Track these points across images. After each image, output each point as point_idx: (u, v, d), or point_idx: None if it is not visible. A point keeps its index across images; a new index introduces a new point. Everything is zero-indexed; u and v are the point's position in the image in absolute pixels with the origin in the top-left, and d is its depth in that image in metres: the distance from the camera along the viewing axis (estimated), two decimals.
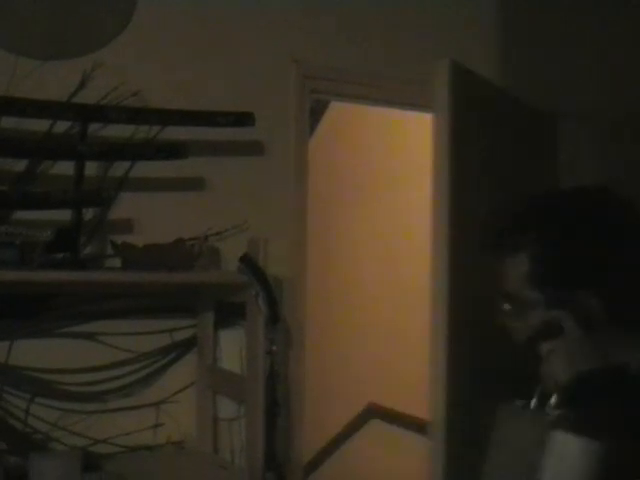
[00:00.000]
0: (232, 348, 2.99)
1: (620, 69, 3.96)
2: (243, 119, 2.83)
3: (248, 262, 2.61)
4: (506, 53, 3.70)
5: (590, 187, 1.74)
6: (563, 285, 1.65)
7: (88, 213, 2.72)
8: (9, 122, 2.63)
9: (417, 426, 3.52)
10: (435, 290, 2.78)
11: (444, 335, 2.75)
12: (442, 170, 2.77)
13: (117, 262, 2.70)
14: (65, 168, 2.63)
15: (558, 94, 3.83)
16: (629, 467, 1.46)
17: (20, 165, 2.71)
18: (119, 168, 2.86)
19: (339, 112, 3.92)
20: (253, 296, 2.59)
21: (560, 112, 3.89)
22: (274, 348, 2.58)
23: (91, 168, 2.69)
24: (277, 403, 2.67)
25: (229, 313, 2.99)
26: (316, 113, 4.13)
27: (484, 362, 2.84)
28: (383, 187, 4.04)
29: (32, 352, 2.77)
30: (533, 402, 1.57)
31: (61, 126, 2.73)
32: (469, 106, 2.90)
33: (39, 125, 2.69)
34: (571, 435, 1.44)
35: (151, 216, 2.91)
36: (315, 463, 4.19)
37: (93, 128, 2.69)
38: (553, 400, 1.52)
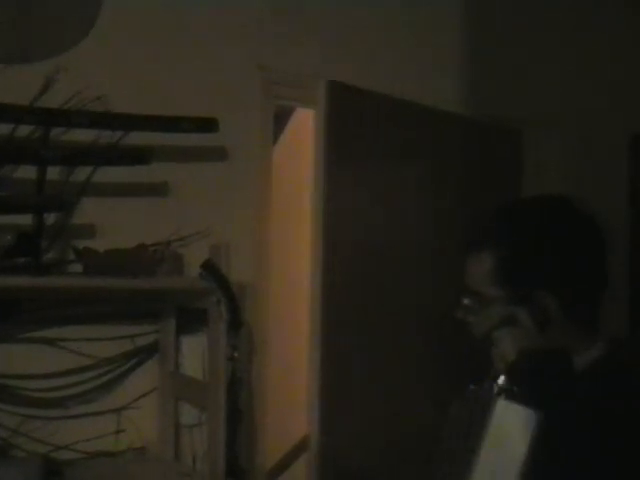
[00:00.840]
0: (194, 354, 2.98)
1: (588, 78, 4.01)
2: (207, 125, 2.82)
3: (210, 268, 2.60)
4: (472, 66, 3.73)
5: (554, 196, 1.89)
6: (522, 284, 1.77)
7: (50, 218, 2.70)
8: None
9: None
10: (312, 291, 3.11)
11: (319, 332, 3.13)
12: (318, 180, 3.17)
13: (79, 267, 2.68)
14: (27, 172, 2.61)
15: (524, 105, 3.87)
16: (561, 435, 1.58)
17: None
18: (82, 173, 2.84)
19: (304, 119, 3.92)
20: (215, 302, 2.59)
21: (526, 123, 3.94)
22: (236, 354, 2.58)
23: (53, 173, 2.67)
24: (239, 409, 2.67)
25: (191, 319, 2.98)
26: (281, 120, 4.13)
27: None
28: None
29: None
30: (485, 384, 1.67)
31: (23, 130, 2.71)
32: (348, 121, 3.28)
33: (1, 129, 2.66)
34: (511, 403, 1.57)
35: (114, 221, 2.90)
36: (279, 469, 4.19)
37: (56, 132, 2.67)
38: (501, 380, 1.63)
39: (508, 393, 1.59)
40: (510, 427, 1.57)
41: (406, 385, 3.45)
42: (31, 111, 2.66)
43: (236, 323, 2.59)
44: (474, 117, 3.78)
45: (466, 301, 1.86)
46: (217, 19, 3.16)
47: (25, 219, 2.53)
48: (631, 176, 4.21)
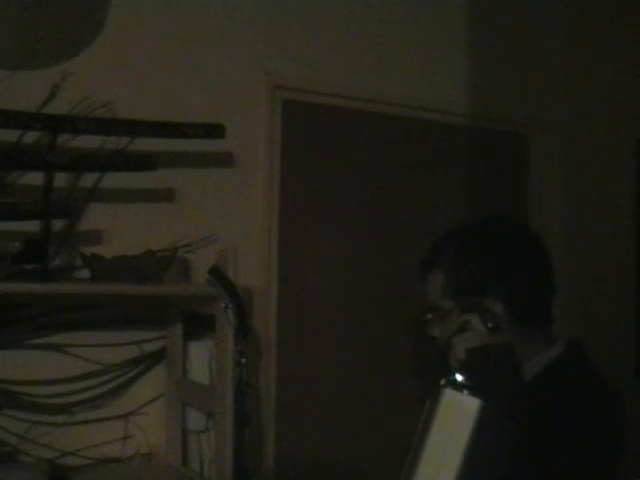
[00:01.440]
0: (201, 360, 2.98)
1: (594, 83, 4.01)
2: (213, 131, 2.82)
3: (217, 274, 2.60)
4: (476, 73, 3.73)
5: (495, 216, 2.16)
6: (471, 294, 2.00)
7: (57, 224, 2.71)
8: None
9: None
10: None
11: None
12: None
13: (86, 273, 2.68)
14: (34, 179, 2.61)
15: (530, 110, 3.87)
16: (506, 424, 1.67)
17: None
18: (88, 179, 2.85)
19: None
20: (222, 308, 2.59)
21: (532, 127, 3.94)
22: (243, 360, 2.58)
23: (60, 179, 2.67)
24: (246, 415, 2.67)
25: (198, 325, 2.98)
26: None
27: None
28: None
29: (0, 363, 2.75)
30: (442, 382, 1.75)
31: (30, 137, 2.72)
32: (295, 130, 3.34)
33: (8, 135, 2.67)
34: (456, 392, 1.66)
35: (120, 227, 2.90)
36: None
37: (62, 139, 2.67)
38: (453, 377, 1.72)
39: (454, 384, 1.69)
40: (455, 416, 1.65)
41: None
42: (38, 118, 2.66)
43: (243, 328, 2.59)
44: (479, 123, 3.79)
45: (428, 316, 2.13)
46: (223, 25, 3.16)
47: (32, 225, 2.53)
48: (636, 181, 4.21)
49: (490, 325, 1.88)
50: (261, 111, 3.23)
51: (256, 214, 3.19)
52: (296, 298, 3.33)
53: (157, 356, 3.01)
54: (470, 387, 1.67)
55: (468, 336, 1.87)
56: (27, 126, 2.65)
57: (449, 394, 1.66)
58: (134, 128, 2.77)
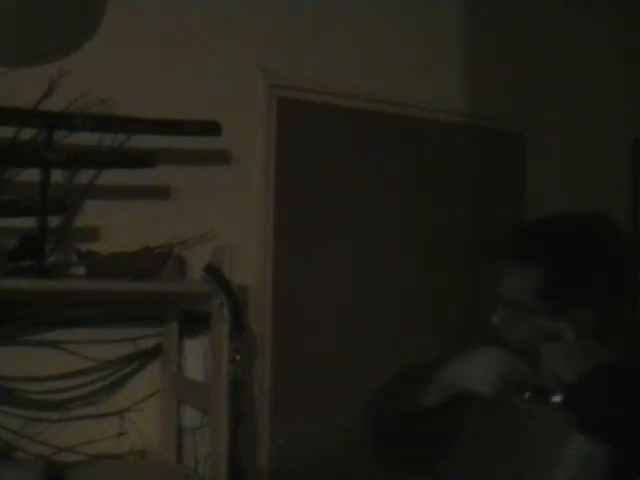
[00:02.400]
0: (197, 357, 2.99)
1: (590, 83, 4.01)
2: (210, 128, 2.82)
3: (213, 271, 2.60)
4: (474, 72, 3.73)
5: (597, 215, 1.93)
6: (568, 301, 1.80)
7: (53, 221, 2.71)
8: None
9: None
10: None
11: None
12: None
13: (82, 270, 2.69)
14: (31, 175, 2.61)
15: (526, 109, 3.87)
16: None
17: None
18: (85, 176, 2.85)
19: None
20: (218, 305, 2.59)
21: (528, 127, 3.94)
22: (238, 357, 2.58)
23: (57, 176, 2.68)
24: (241, 412, 2.66)
25: (194, 322, 2.98)
26: None
27: None
28: None
29: None
30: (526, 395, 1.68)
31: (27, 133, 2.72)
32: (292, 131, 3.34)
33: (4, 132, 2.67)
34: (591, 439, 1.60)
35: (117, 224, 2.90)
36: None
37: (59, 136, 2.68)
38: (557, 398, 1.64)
39: (583, 425, 1.61)
40: (589, 463, 1.62)
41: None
42: (35, 114, 2.67)
43: (239, 326, 2.58)
44: (477, 122, 3.79)
45: (502, 310, 1.89)
46: (220, 23, 3.16)
47: (29, 222, 2.54)
48: (633, 181, 4.21)
49: (583, 336, 1.75)
50: (258, 109, 3.23)
51: (252, 211, 3.20)
52: (292, 296, 3.34)
53: (152, 353, 3.01)
54: (602, 432, 1.60)
55: (566, 351, 1.74)
56: (24, 123, 2.66)
57: (582, 440, 1.62)
58: (131, 125, 2.77)
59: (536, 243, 1.90)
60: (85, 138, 2.77)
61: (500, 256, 1.95)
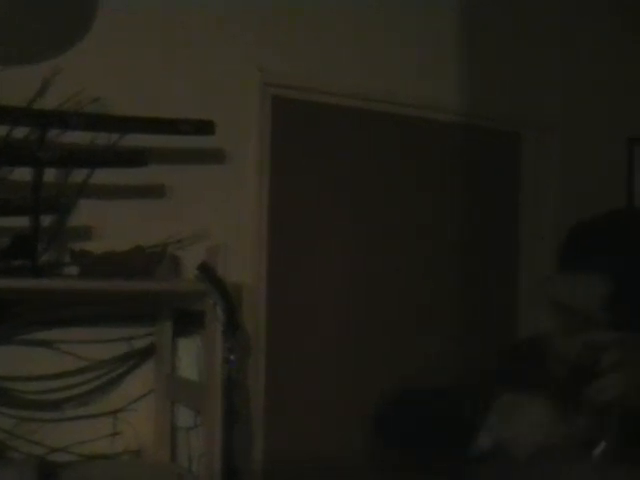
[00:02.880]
0: (190, 357, 2.98)
1: (587, 82, 4.01)
2: (204, 127, 2.82)
3: (206, 270, 2.60)
4: (472, 72, 3.73)
5: None
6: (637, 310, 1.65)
7: (46, 220, 2.70)
8: None
9: None
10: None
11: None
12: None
13: (75, 270, 2.68)
14: (23, 174, 2.60)
15: (523, 108, 3.87)
16: None
17: None
18: (78, 175, 2.85)
19: None
20: (211, 305, 2.58)
21: (525, 126, 3.94)
22: (232, 357, 2.58)
23: (50, 175, 2.67)
24: (235, 411, 2.66)
25: (188, 321, 2.98)
26: None
27: None
28: None
29: None
30: (602, 447, 1.54)
31: (20, 132, 2.71)
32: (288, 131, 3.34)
33: None
34: None
35: (110, 223, 2.90)
36: None
37: (52, 134, 2.67)
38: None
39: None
40: None
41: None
42: (28, 113, 2.66)
43: (232, 325, 2.59)
44: (473, 121, 3.79)
45: (561, 319, 1.70)
46: (215, 22, 3.16)
47: (22, 221, 2.53)
48: (629, 179, 4.21)
49: None
50: (252, 108, 3.23)
51: (246, 211, 3.19)
52: (286, 295, 3.33)
53: (146, 353, 3.01)
54: None
55: (627, 377, 1.54)
56: (17, 121, 2.65)
57: None
58: (125, 124, 2.76)
59: (608, 247, 1.71)
60: (79, 137, 2.76)
61: (562, 259, 1.76)
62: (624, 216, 1.84)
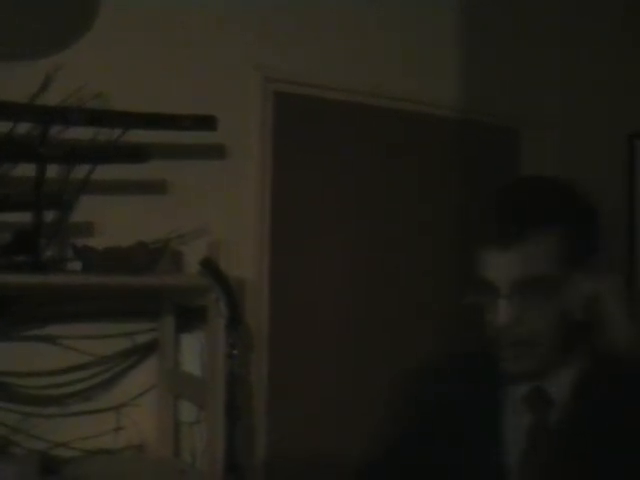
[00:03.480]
0: (193, 352, 2.98)
1: (586, 78, 4.01)
2: (206, 123, 2.82)
3: (209, 265, 2.60)
4: (470, 67, 3.73)
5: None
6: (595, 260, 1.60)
7: (49, 216, 2.70)
8: None
9: None
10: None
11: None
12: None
13: (78, 265, 2.67)
14: (26, 170, 2.60)
15: (522, 104, 3.87)
16: None
17: None
18: (81, 171, 2.85)
19: None
20: (214, 300, 2.59)
21: (524, 122, 3.94)
22: (235, 352, 2.58)
23: (52, 170, 2.67)
24: (237, 406, 2.67)
25: (190, 317, 2.98)
26: None
27: None
28: None
29: None
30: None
31: (22, 128, 2.71)
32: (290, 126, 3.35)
33: (0, 127, 2.67)
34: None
35: (112, 219, 2.90)
36: None
37: (55, 130, 2.67)
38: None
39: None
40: None
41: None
42: (30, 109, 2.66)
43: (235, 320, 2.59)
44: (472, 116, 3.79)
45: (519, 293, 1.56)
46: (216, 18, 3.16)
47: (24, 217, 2.53)
48: (629, 176, 4.21)
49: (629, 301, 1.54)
50: (253, 103, 3.23)
51: (248, 206, 3.20)
52: (288, 290, 3.34)
53: (149, 348, 3.01)
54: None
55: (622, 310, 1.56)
56: (19, 117, 2.65)
57: None
58: (126, 120, 2.77)
59: (545, 203, 1.67)
60: (80, 133, 2.77)
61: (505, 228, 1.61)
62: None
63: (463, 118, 3.78)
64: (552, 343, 1.57)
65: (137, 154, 2.75)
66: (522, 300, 1.56)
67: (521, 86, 3.89)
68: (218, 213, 3.09)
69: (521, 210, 1.62)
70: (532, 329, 1.56)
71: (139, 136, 2.84)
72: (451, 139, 3.81)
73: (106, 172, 2.86)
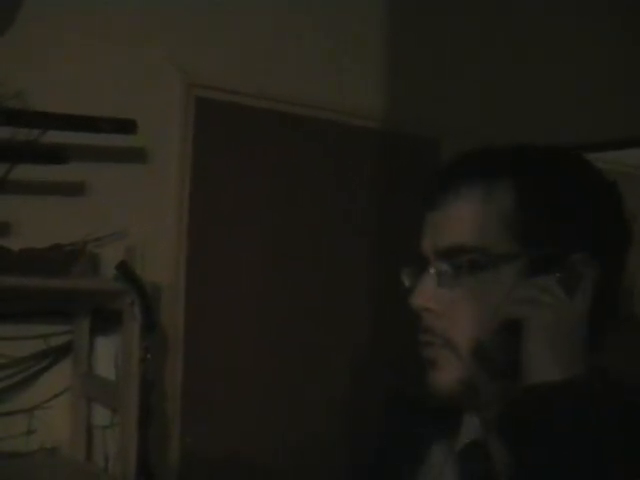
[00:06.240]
0: (107, 355, 2.97)
1: (507, 90, 4.07)
2: (126, 126, 2.81)
3: (124, 269, 2.60)
4: (391, 76, 3.78)
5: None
6: (555, 241, 1.18)
7: None
8: None
9: None
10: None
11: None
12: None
13: None
14: None
15: (444, 115, 3.92)
16: None
17: None
18: None
19: None
20: (129, 304, 2.59)
21: (445, 133, 3.99)
22: (149, 356, 2.58)
23: None
24: (151, 411, 2.67)
25: (106, 320, 2.97)
26: None
27: None
28: None
29: None
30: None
31: None
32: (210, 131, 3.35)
33: None
34: None
35: (29, 220, 2.86)
36: None
37: None
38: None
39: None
40: None
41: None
42: None
43: (149, 325, 2.60)
44: (392, 127, 3.83)
45: (445, 267, 1.22)
46: (139, 21, 3.15)
47: None
48: None
49: (573, 296, 1.13)
50: (175, 108, 3.23)
51: (167, 211, 3.19)
52: (205, 294, 3.34)
53: (63, 350, 2.99)
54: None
55: (544, 313, 1.12)
56: None
57: None
58: (45, 120, 2.75)
59: (503, 157, 1.26)
60: None
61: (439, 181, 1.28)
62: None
63: (383, 128, 3.83)
64: (478, 353, 1.19)
65: (56, 155, 2.73)
66: (447, 279, 1.21)
67: (443, 97, 3.94)
68: (137, 217, 3.08)
69: (456, 163, 1.28)
70: (454, 324, 1.20)
71: (59, 137, 2.82)
72: (371, 148, 3.84)
73: (23, 172, 2.83)
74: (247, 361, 3.45)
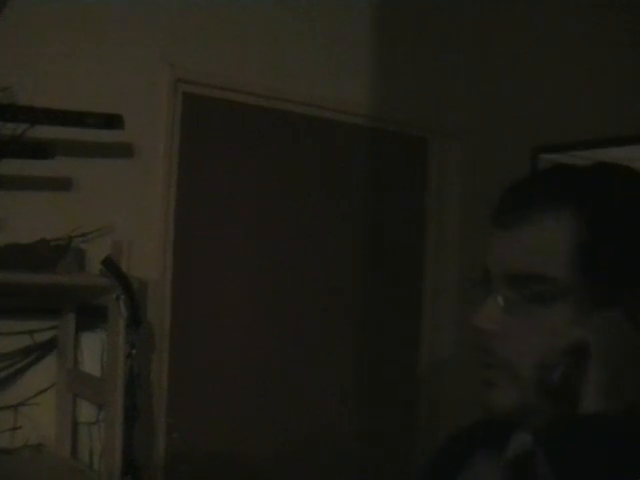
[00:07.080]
0: (93, 351, 2.96)
1: (493, 88, 4.07)
2: (112, 121, 2.81)
3: (110, 265, 2.59)
4: (379, 74, 3.78)
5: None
6: (624, 271, 1.15)
7: None
8: None
9: None
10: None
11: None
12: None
13: None
14: None
15: (431, 113, 3.93)
16: None
17: None
18: None
19: None
20: (115, 299, 2.58)
21: (432, 131, 4.00)
22: (134, 352, 2.58)
23: None
24: (137, 407, 2.66)
25: (91, 315, 2.96)
26: None
27: None
28: None
29: None
30: None
31: None
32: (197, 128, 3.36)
33: None
34: None
35: (15, 215, 2.85)
36: None
37: None
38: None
39: None
40: None
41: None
42: None
43: (135, 320, 2.59)
44: (380, 124, 3.84)
45: (501, 295, 1.19)
46: (127, 16, 3.14)
47: None
48: None
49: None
50: (162, 104, 3.22)
51: (154, 206, 3.18)
52: (191, 291, 3.34)
53: (48, 346, 2.98)
54: None
55: (609, 344, 1.10)
56: None
57: None
58: (32, 115, 2.74)
59: (568, 181, 1.21)
60: None
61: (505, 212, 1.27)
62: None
63: (371, 125, 3.83)
64: (540, 379, 1.15)
65: (42, 150, 2.72)
66: (514, 307, 1.18)
67: (430, 95, 3.95)
68: (123, 212, 3.08)
69: (530, 181, 1.27)
70: (517, 349, 1.17)
71: (46, 132, 2.82)
72: (359, 146, 3.85)
73: (10, 167, 2.82)
74: (233, 356, 3.45)
